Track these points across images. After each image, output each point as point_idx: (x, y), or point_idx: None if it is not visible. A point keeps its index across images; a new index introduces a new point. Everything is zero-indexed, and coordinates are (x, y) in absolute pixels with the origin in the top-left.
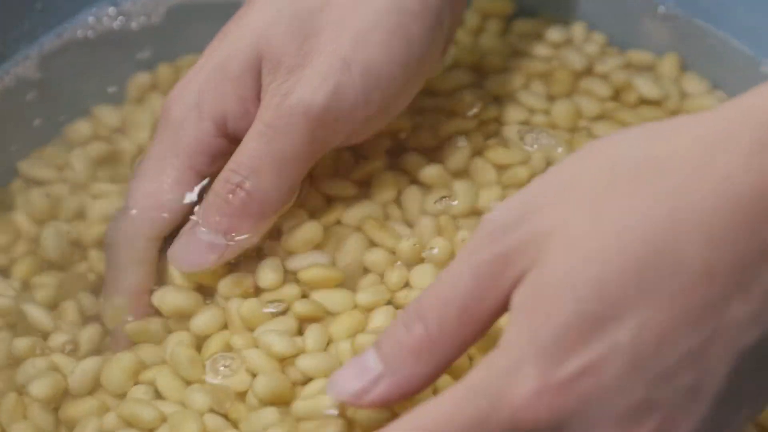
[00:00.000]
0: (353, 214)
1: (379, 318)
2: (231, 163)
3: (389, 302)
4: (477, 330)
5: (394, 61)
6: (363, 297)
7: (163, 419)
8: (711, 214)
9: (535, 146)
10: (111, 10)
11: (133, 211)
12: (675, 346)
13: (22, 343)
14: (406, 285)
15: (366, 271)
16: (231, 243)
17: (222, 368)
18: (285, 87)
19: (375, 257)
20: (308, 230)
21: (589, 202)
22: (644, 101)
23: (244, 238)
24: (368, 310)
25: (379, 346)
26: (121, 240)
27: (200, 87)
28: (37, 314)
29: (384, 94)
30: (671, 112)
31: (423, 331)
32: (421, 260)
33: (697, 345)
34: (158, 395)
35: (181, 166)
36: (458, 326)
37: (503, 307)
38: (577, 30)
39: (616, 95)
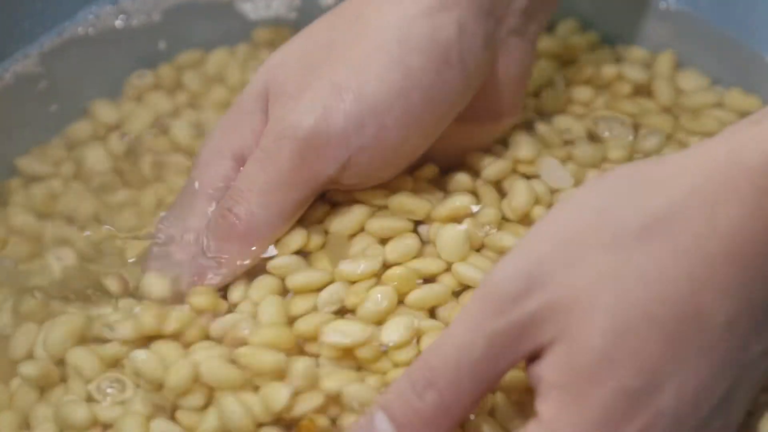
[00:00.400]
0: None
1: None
2: (230, 189)
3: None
4: (487, 391)
5: (389, 91)
6: (347, 266)
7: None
8: (726, 269)
9: (606, 134)
10: (110, 8)
11: (156, 249)
12: (708, 398)
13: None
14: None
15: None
16: (219, 270)
17: (109, 390)
18: (282, 113)
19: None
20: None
21: (601, 267)
22: (638, 91)
23: (233, 263)
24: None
25: (391, 412)
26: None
27: (222, 128)
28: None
29: (380, 124)
30: (665, 108)
31: (437, 399)
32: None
33: (725, 391)
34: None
35: (205, 203)
36: (471, 392)
37: (512, 367)
38: (568, 24)
39: (608, 86)
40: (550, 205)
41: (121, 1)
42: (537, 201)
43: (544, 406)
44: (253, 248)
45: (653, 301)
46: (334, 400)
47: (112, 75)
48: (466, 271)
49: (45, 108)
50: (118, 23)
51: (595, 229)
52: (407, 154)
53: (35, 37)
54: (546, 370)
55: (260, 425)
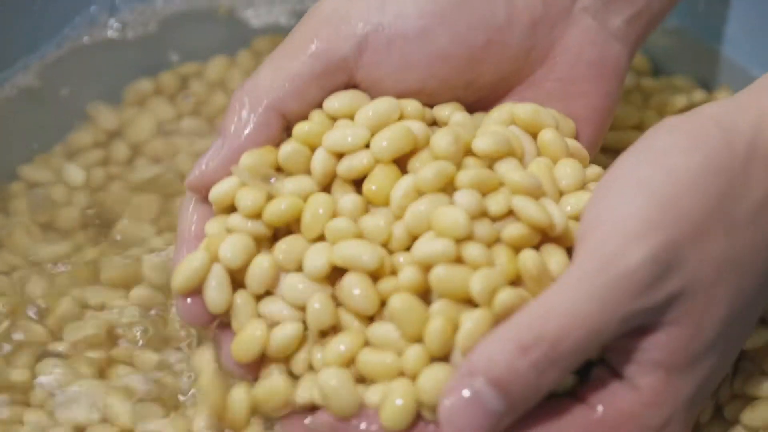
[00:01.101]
0: None
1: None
2: None
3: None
4: None
5: None
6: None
7: None
8: None
9: None
10: (108, 19)
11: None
12: None
13: None
14: None
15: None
16: (224, 144)
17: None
18: None
19: None
20: None
21: (721, 255)
22: None
23: (230, 131)
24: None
25: (504, 389)
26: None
27: None
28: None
29: (400, 7)
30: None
31: (557, 376)
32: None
33: None
34: None
35: None
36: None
37: None
38: None
39: None
40: None
41: (120, 11)
42: None
43: (647, 379)
44: (257, 111)
45: (756, 291)
46: None
47: (110, 84)
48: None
49: (44, 118)
50: (117, 33)
51: (715, 216)
52: (432, 61)
53: (34, 46)
54: (657, 347)
55: None
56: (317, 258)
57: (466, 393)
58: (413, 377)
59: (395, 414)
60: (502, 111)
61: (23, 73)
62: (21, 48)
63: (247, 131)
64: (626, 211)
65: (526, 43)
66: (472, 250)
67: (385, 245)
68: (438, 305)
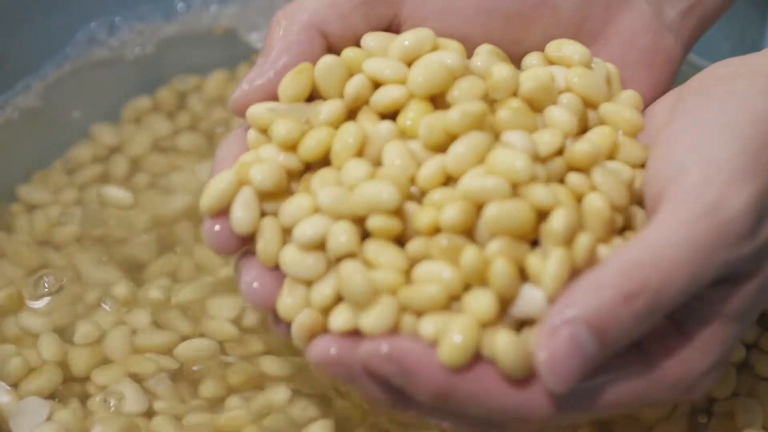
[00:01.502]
0: None
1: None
2: None
3: None
4: None
5: None
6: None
7: None
8: None
9: None
10: (108, 39)
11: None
12: None
13: None
14: None
15: None
16: (263, 65)
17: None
18: None
19: None
20: None
21: None
22: None
23: (270, 45)
24: None
25: (602, 335)
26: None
27: None
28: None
29: None
30: None
31: (652, 323)
32: None
33: None
34: None
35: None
36: None
37: None
38: None
39: None
40: None
41: (119, 30)
42: None
43: (702, 325)
44: (299, 28)
45: None
46: None
47: (109, 104)
48: None
49: (45, 139)
50: (116, 53)
51: None
52: (480, 7)
53: (35, 67)
54: (723, 297)
55: None
56: (310, 227)
57: (567, 341)
58: (483, 322)
59: (454, 351)
60: (538, 56)
61: (24, 94)
62: (22, 68)
63: (289, 48)
64: (720, 157)
65: (580, 14)
66: (540, 191)
67: (411, 180)
68: (497, 244)
